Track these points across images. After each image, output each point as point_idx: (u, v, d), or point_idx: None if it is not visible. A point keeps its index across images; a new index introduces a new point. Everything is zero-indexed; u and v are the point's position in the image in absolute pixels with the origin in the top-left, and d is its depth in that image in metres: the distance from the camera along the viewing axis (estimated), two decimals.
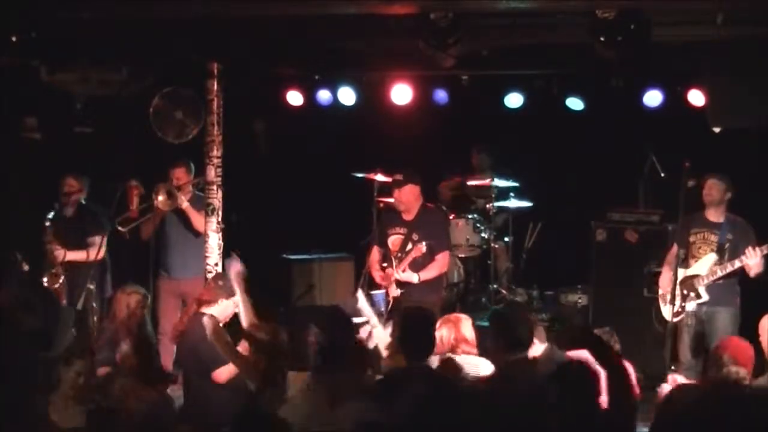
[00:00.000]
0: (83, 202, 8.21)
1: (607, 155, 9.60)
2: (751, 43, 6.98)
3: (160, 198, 7.96)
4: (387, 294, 7.81)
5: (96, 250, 8.00)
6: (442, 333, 6.08)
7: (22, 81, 7.66)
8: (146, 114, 7.93)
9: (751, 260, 7.16)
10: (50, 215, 7.98)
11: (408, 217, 7.92)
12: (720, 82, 7.52)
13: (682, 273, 7.44)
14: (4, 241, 8.06)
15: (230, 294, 6.69)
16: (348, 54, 8.46)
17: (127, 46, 7.37)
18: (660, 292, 7.65)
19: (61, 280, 7.92)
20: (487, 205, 9.92)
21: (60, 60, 7.34)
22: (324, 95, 9.72)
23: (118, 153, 8.57)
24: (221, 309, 6.67)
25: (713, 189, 7.42)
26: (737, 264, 7.24)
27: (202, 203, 8.07)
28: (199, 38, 7.47)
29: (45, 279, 7.92)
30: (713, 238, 7.41)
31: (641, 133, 9.28)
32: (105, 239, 8.06)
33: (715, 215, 7.47)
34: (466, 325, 6.19)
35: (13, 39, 6.93)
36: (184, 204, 8.08)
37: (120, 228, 7.92)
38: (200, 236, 8.08)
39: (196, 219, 8.08)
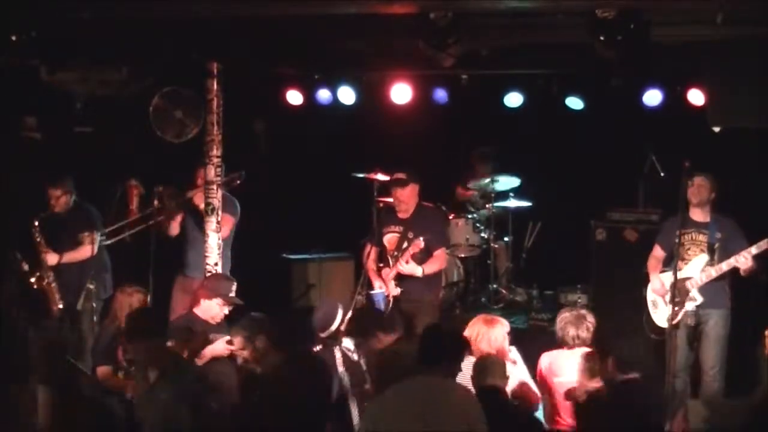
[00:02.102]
0: (74, 201, 8.14)
1: (607, 155, 9.60)
2: (751, 43, 6.98)
3: (165, 200, 7.92)
4: (386, 293, 7.81)
5: (87, 247, 8.02)
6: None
7: (22, 81, 7.65)
8: (146, 114, 7.92)
9: (745, 266, 7.11)
10: (42, 215, 7.95)
11: (404, 215, 7.92)
12: (720, 82, 7.50)
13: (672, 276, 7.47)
14: (4, 241, 8.06)
15: (212, 295, 6.75)
16: (348, 54, 8.46)
17: (127, 46, 7.36)
18: (650, 298, 7.58)
19: (47, 280, 7.87)
20: (487, 205, 9.92)
21: (60, 60, 7.33)
22: (324, 95, 9.72)
23: (118, 153, 8.56)
24: (203, 309, 6.75)
25: (702, 188, 7.32)
26: (725, 267, 7.18)
27: (226, 206, 8.02)
28: (199, 38, 7.46)
29: (32, 280, 7.88)
30: (702, 238, 7.32)
31: (641, 132, 9.28)
32: (97, 236, 8.07)
33: (701, 215, 7.37)
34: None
35: (13, 39, 6.92)
36: (202, 205, 8.04)
37: (106, 242, 7.88)
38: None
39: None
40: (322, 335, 6.70)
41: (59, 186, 8.05)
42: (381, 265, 7.96)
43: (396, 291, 7.75)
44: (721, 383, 7.29)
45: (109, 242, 7.93)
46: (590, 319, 6.56)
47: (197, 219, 8.14)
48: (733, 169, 8.61)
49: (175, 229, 8.16)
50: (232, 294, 6.97)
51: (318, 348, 6.66)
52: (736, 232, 7.33)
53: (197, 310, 6.88)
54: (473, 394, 5.00)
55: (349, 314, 6.80)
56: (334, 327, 6.67)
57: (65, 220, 8.09)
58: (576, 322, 6.51)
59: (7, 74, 7.52)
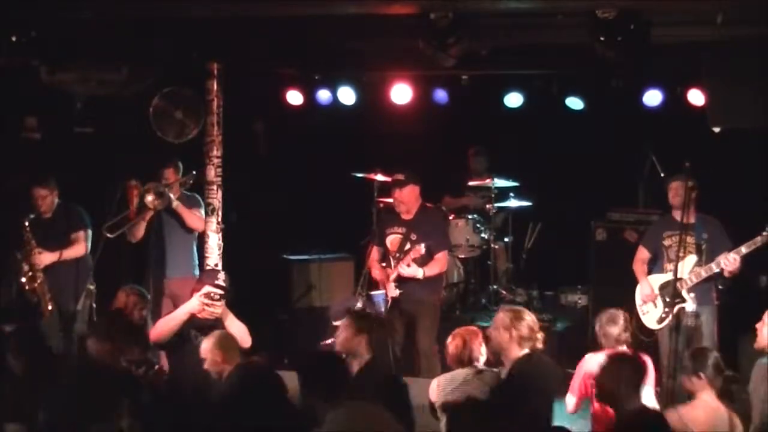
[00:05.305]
0: (57, 201, 8.13)
1: (607, 155, 9.59)
2: (751, 43, 6.98)
3: (149, 198, 7.94)
4: (386, 294, 7.81)
5: (80, 245, 8.04)
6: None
7: (22, 81, 7.65)
8: (146, 114, 7.92)
9: (731, 267, 7.17)
10: (31, 217, 7.92)
11: (407, 216, 7.92)
12: (720, 82, 7.50)
13: (661, 278, 7.52)
14: (3, 241, 8.06)
15: (199, 288, 6.71)
16: (348, 54, 8.46)
17: (127, 46, 7.36)
18: (639, 302, 7.62)
19: (38, 282, 7.86)
20: (487, 205, 9.92)
21: (60, 60, 7.33)
22: (324, 95, 9.72)
23: (118, 153, 8.56)
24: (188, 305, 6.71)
25: (679, 190, 7.35)
26: (715, 267, 7.24)
27: (191, 202, 8.08)
28: (199, 38, 7.46)
29: (24, 281, 7.87)
30: (689, 239, 7.31)
31: (641, 133, 9.28)
32: (88, 233, 8.08)
33: (686, 216, 7.35)
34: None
35: (13, 39, 6.92)
36: (174, 203, 8.07)
37: (108, 234, 7.82)
38: (190, 235, 8.09)
39: (189, 217, 8.08)
40: (335, 323, 6.68)
41: (46, 186, 8.03)
42: (383, 265, 7.96)
43: (396, 293, 7.75)
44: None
45: (111, 236, 7.87)
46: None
47: (168, 219, 8.15)
48: (733, 169, 8.64)
49: (140, 231, 8.12)
50: (218, 282, 6.91)
51: (326, 342, 6.70)
52: (720, 233, 7.42)
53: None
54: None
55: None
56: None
57: (52, 221, 8.08)
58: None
59: (7, 74, 7.51)
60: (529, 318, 5.96)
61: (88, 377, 5.57)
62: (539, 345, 5.94)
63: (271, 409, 4.95)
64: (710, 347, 7.27)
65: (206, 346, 6.08)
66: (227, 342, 6.14)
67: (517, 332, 5.86)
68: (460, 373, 5.98)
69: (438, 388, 5.99)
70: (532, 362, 5.87)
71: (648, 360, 6.16)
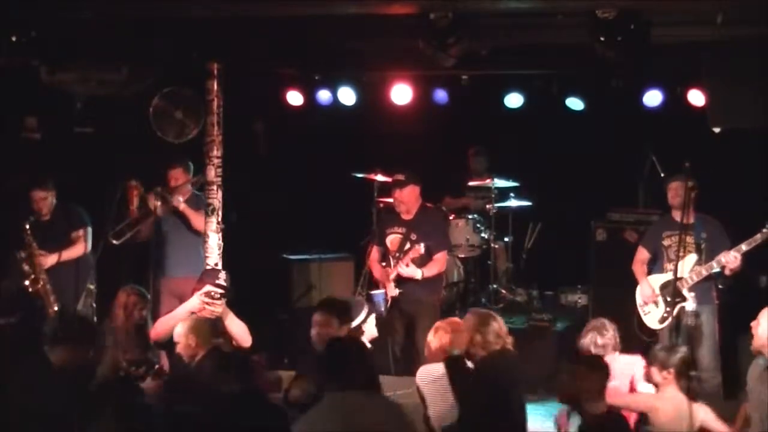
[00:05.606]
0: (55, 202, 8.11)
1: (607, 155, 9.60)
2: (751, 43, 6.98)
3: (152, 203, 7.95)
4: (386, 294, 7.81)
5: (80, 245, 8.05)
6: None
7: (22, 81, 7.65)
8: (146, 114, 7.92)
9: (732, 264, 7.22)
10: (31, 219, 7.91)
11: (407, 217, 7.93)
12: (720, 82, 7.51)
13: (661, 278, 7.53)
14: (3, 241, 8.06)
15: (201, 288, 6.70)
16: (348, 54, 8.47)
17: (127, 46, 7.37)
18: (640, 303, 7.65)
19: (42, 283, 7.84)
20: (487, 206, 9.92)
21: (60, 60, 7.33)
22: (324, 95, 9.73)
23: (118, 153, 8.56)
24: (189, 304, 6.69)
25: (679, 191, 7.38)
26: (716, 266, 7.28)
27: (200, 203, 8.08)
28: (199, 38, 7.46)
29: (27, 283, 7.86)
30: (689, 239, 7.34)
31: (641, 133, 9.28)
32: (88, 231, 8.08)
33: (685, 216, 7.36)
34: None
35: (13, 39, 6.92)
36: (181, 205, 8.07)
37: (114, 241, 7.83)
38: (198, 236, 8.09)
39: (195, 218, 8.08)
40: None
41: (45, 188, 8.02)
42: (384, 264, 7.96)
43: (395, 292, 7.76)
44: (719, 380, 7.37)
45: (117, 243, 7.87)
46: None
47: (174, 219, 8.15)
48: (733, 169, 8.64)
49: (148, 231, 8.14)
50: (219, 281, 6.90)
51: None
52: (720, 233, 7.45)
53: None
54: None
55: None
56: (354, 324, 6.61)
57: (51, 222, 8.07)
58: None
59: (7, 74, 7.51)
60: (496, 324, 5.95)
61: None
62: (509, 348, 5.97)
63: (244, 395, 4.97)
64: (709, 346, 7.35)
65: (180, 330, 6.11)
66: (201, 326, 6.16)
67: (482, 336, 5.89)
68: (439, 368, 6.02)
69: (421, 374, 6.06)
70: (497, 360, 5.88)
71: (620, 360, 6.24)
